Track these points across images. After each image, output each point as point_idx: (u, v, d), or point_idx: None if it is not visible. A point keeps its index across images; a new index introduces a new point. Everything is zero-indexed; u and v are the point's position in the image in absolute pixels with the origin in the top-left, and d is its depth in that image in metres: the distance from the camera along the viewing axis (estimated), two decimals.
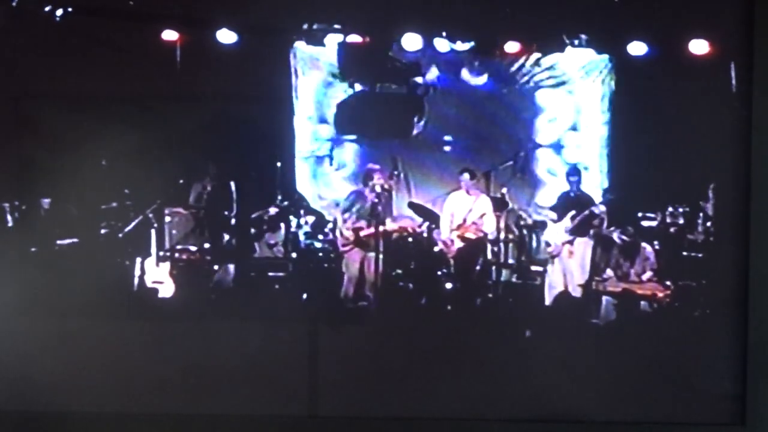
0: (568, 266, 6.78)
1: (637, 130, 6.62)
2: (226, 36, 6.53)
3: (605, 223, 6.75)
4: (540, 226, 6.87)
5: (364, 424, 6.47)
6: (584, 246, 6.79)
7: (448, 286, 6.78)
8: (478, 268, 6.80)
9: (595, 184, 6.81)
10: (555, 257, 6.79)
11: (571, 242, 6.80)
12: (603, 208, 6.74)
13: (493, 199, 6.82)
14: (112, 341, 6.48)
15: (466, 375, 6.47)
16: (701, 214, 6.54)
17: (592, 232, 6.77)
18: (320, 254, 6.86)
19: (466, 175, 6.79)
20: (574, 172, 6.81)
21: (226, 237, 6.88)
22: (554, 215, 6.83)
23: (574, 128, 6.84)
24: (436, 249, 6.85)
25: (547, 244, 6.81)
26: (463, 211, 6.84)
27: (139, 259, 6.77)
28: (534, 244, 6.86)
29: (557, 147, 6.84)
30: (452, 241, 6.85)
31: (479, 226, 6.84)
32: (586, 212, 6.76)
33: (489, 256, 6.84)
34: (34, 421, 6.43)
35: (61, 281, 6.58)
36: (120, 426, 6.43)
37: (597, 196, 6.78)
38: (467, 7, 6.47)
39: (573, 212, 6.79)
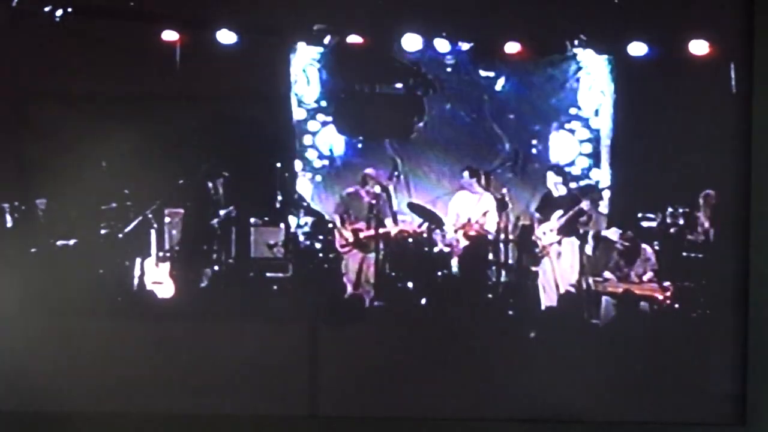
0: (562, 266, 6.78)
1: (637, 130, 6.62)
2: (226, 36, 6.54)
3: (599, 222, 6.76)
4: (537, 226, 6.87)
5: (364, 424, 6.47)
6: (578, 246, 6.79)
7: (449, 286, 6.78)
8: (482, 267, 6.80)
9: (594, 183, 6.82)
10: (546, 257, 6.79)
11: (560, 242, 6.80)
12: (585, 205, 6.74)
13: (495, 199, 6.83)
14: (112, 341, 6.48)
15: (466, 375, 6.47)
16: (701, 215, 6.54)
17: (592, 232, 6.77)
18: (320, 255, 6.86)
19: (466, 174, 6.79)
20: (559, 170, 6.81)
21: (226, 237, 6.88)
22: (541, 215, 6.83)
23: (573, 128, 6.84)
24: (436, 249, 6.84)
25: (536, 245, 6.81)
26: (467, 210, 6.84)
27: (138, 260, 6.77)
28: (530, 244, 6.85)
29: (557, 147, 6.84)
30: (457, 240, 6.84)
31: (482, 225, 6.84)
32: (573, 210, 6.76)
33: (491, 255, 6.83)
34: (34, 421, 6.43)
35: (60, 282, 6.57)
36: (120, 426, 6.43)
37: (597, 197, 6.79)
38: (467, 7, 6.48)
39: (560, 211, 6.79)
